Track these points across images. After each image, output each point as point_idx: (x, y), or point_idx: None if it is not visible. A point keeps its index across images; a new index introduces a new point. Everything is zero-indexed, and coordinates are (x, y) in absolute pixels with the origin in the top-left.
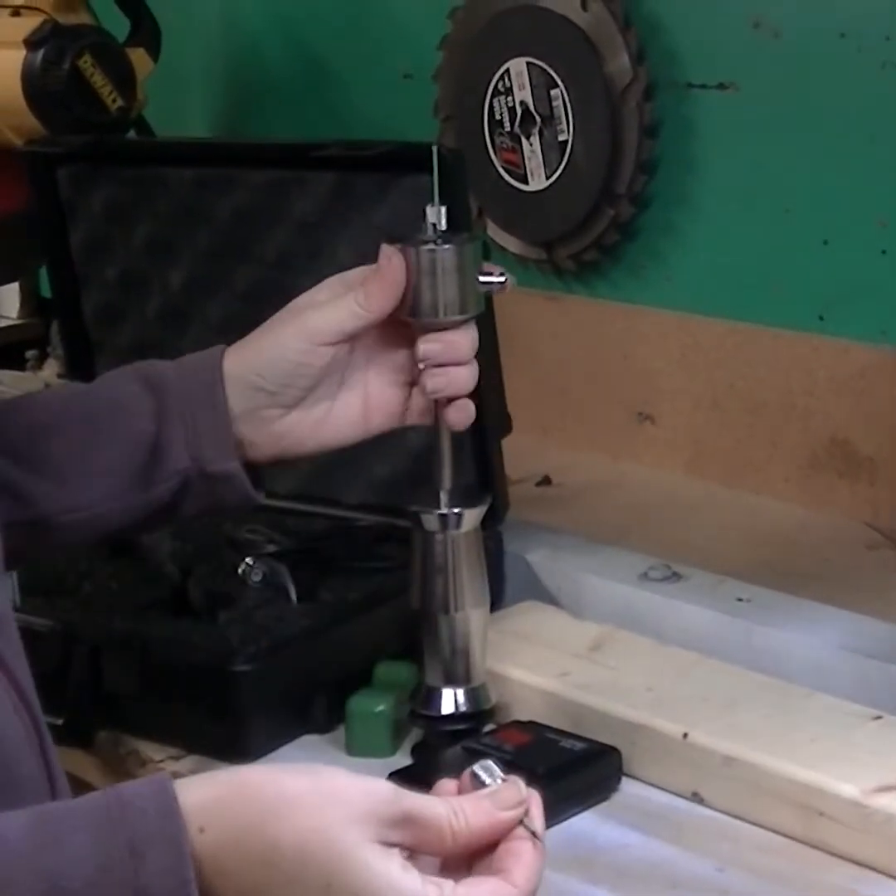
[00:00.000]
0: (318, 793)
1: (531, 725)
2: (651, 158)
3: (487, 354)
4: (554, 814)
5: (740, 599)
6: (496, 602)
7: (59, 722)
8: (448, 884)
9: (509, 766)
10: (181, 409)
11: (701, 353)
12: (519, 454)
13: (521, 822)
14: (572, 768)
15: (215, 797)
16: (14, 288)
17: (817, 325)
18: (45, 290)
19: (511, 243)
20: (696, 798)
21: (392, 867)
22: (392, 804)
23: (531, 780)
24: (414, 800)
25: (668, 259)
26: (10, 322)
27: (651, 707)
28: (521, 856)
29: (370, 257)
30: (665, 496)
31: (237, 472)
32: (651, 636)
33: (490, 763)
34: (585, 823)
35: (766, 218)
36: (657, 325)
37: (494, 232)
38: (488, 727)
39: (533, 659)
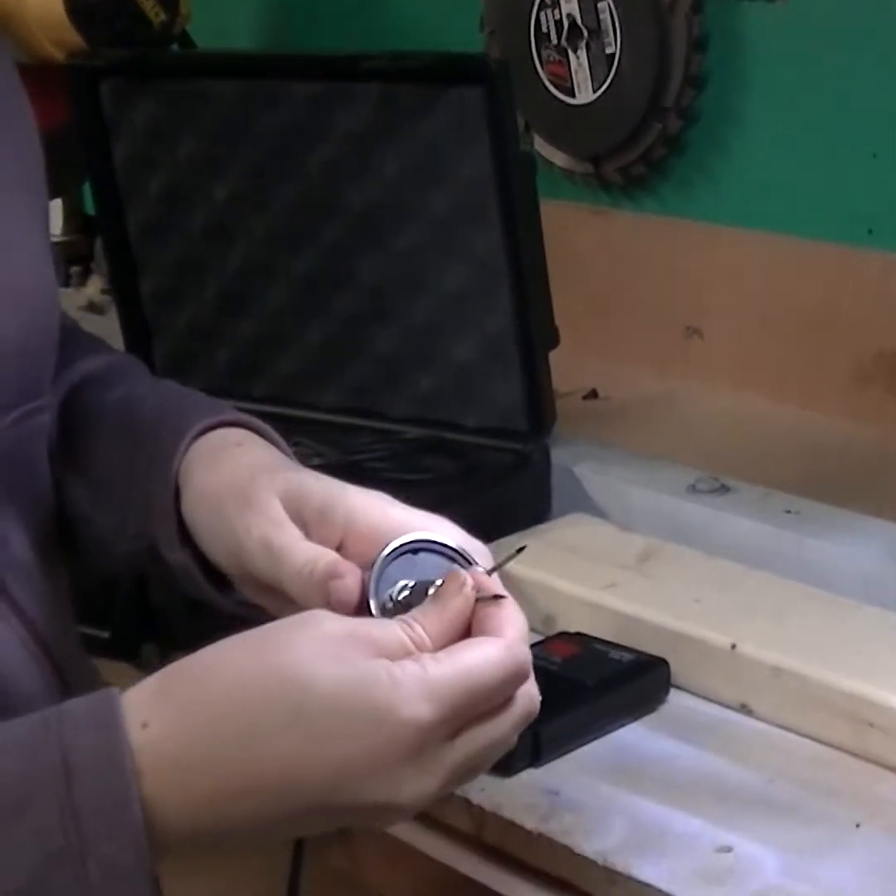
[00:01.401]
0: (250, 632)
1: (579, 637)
2: (699, 72)
3: (534, 267)
4: (602, 725)
5: (788, 512)
6: (543, 514)
7: (105, 635)
8: (425, 655)
9: (558, 677)
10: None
11: (749, 267)
12: (565, 368)
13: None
14: (620, 680)
15: (155, 688)
16: (57, 204)
17: (866, 239)
18: (89, 207)
19: (558, 157)
20: (745, 710)
21: (358, 659)
22: (339, 621)
23: (580, 692)
24: (365, 622)
25: (716, 173)
26: (54, 239)
27: (699, 618)
28: (493, 619)
29: (414, 173)
30: (712, 410)
31: (187, 562)
32: (698, 548)
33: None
34: (633, 735)
35: (814, 132)
36: (705, 239)
37: (541, 146)
38: (536, 639)
39: (580, 571)
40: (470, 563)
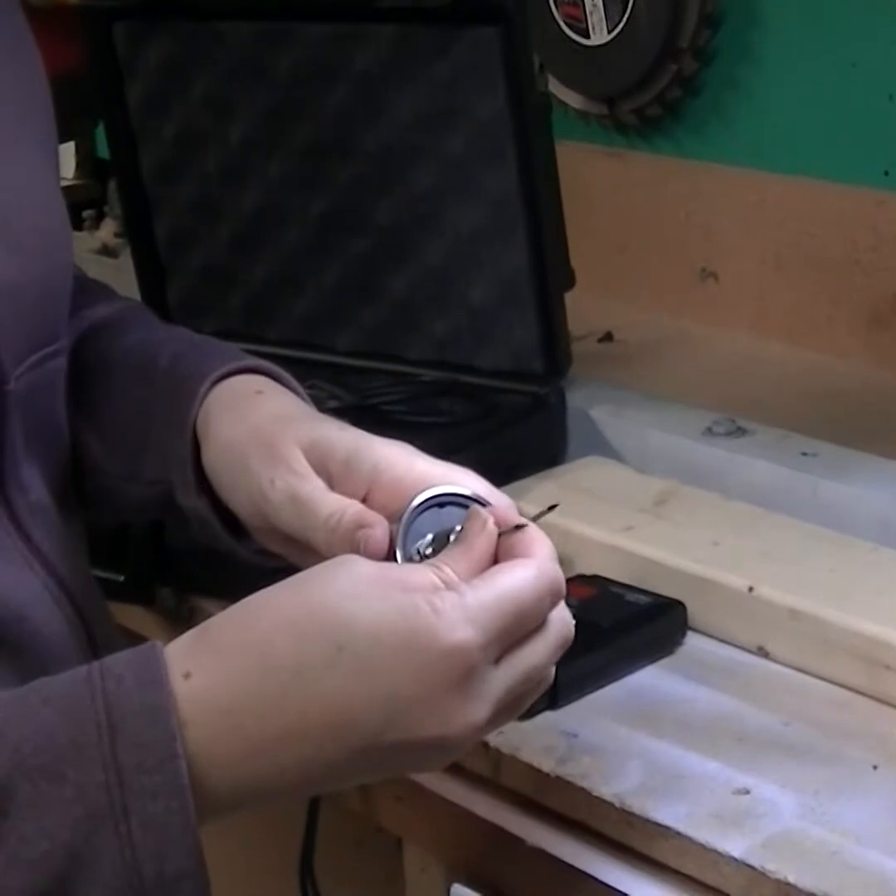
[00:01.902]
0: (293, 580)
1: (595, 579)
2: (715, 12)
3: (549, 208)
4: (619, 668)
5: (805, 454)
6: (559, 457)
7: (120, 579)
8: (460, 585)
9: (574, 620)
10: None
11: (764, 209)
12: (580, 311)
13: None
14: (637, 622)
15: (195, 638)
16: (69, 148)
17: (882, 181)
18: (101, 151)
19: (572, 99)
20: (762, 652)
21: (395, 594)
22: (371, 564)
23: (597, 635)
24: (395, 565)
25: (732, 114)
26: (67, 182)
27: (716, 561)
28: (519, 545)
29: (429, 114)
30: (727, 353)
31: (204, 511)
32: (715, 491)
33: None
34: (650, 678)
35: (830, 73)
36: (720, 181)
37: (556, 87)
38: None
39: (597, 513)
40: None
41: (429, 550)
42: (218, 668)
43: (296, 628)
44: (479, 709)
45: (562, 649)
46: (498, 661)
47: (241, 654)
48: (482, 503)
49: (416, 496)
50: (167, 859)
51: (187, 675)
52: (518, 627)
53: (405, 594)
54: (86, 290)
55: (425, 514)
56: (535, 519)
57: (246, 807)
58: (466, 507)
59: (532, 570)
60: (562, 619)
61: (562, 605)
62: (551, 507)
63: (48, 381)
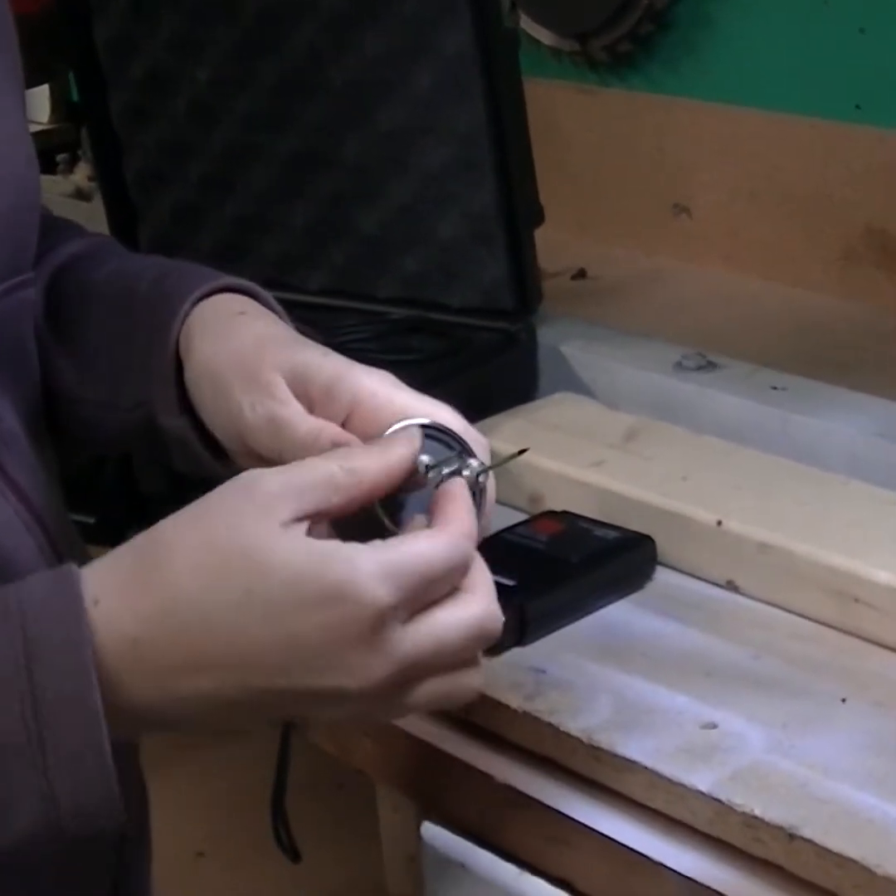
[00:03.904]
0: (197, 508)
1: (564, 515)
2: None
3: (517, 144)
4: (588, 603)
5: (775, 388)
6: (530, 393)
7: (91, 521)
8: (377, 541)
9: (543, 555)
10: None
11: (737, 144)
12: (554, 248)
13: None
14: (606, 557)
15: (108, 565)
16: (44, 93)
17: (853, 115)
18: (76, 95)
19: (544, 35)
20: (731, 586)
21: (310, 542)
22: (275, 475)
23: (565, 569)
24: (298, 469)
25: (704, 49)
26: (41, 126)
27: (685, 495)
28: (446, 512)
29: (397, 51)
30: (700, 288)
31: (185, 430)
32: (685, 425)
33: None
34: (620, 612)
35: (801, 6)
36: (693, 116)
37: (527, 24)
38: (522, 517)
39: (567, 449)
40: (470, 453)
41: None
42: (125, 596)
43: (205, 572)
44: (381, 664)
45: (483, 639)
46: (407, 623)
47: (148, 592)
48: (458, 438)
49: (393, 425)
50: (83, 792)
51: (96, 602)
52: (426, 591)
53: (320, 542)
54: (57, 228)
55: None
56: (502, 463)
57: (147, 735)
58: (442, 441)
59: (443, 539)
60: (486, 608)
61: (493, 599)
62: (521, 452)
63: (17, 312)
